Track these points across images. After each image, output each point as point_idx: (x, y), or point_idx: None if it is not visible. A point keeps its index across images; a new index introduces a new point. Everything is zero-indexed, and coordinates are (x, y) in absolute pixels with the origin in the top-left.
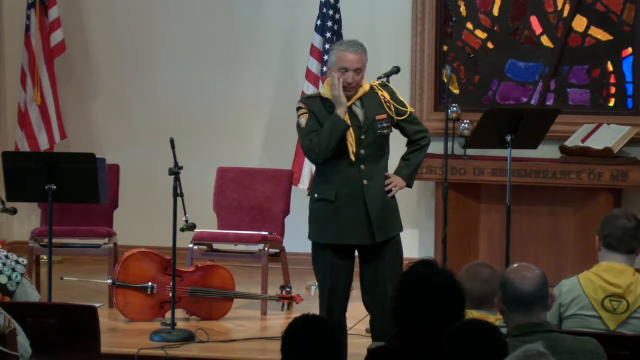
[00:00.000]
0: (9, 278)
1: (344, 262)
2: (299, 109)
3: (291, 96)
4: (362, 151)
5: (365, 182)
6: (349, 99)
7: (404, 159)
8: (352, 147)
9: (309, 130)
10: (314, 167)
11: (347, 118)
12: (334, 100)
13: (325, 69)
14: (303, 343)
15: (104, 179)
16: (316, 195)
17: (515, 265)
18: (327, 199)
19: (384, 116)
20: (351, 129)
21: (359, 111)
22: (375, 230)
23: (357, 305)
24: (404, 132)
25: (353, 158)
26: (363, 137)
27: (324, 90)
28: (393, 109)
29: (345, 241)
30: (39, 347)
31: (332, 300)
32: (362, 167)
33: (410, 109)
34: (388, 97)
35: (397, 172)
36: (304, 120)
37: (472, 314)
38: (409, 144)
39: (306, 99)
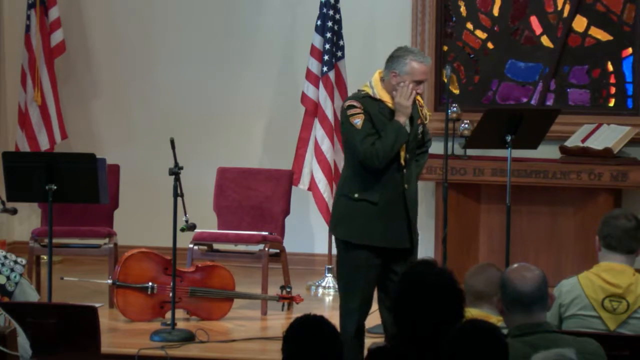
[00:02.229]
0: (8, 278)
1: (376, 266)
2: (351, 107)
3: (291, 96)
4: (407, 155)
5: (406, 186)
6: None
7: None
8: (403, 152)
9: (366, 133)
10: (314, 167)
11: None
12: (399, 108)
13: (391, 74)
14: (303, 343)
15: (104, 179)
16: (356, 195)
17: (515, 265)
18: (370, 201)
19: (420, 121)
20: None
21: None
22: (413, 234)
23: None
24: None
25: (403, 162)
26: (409, 142)
27: (376, 90)
28: (424, 113)
29: (388, 244)
30: (39, 347)
31: (362, 303)
32: (405, 171)
33: (429, 112)
34: (421, 102)
35: None
36: (359, 121)
37: (472, 312)
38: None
39: (361, 98)
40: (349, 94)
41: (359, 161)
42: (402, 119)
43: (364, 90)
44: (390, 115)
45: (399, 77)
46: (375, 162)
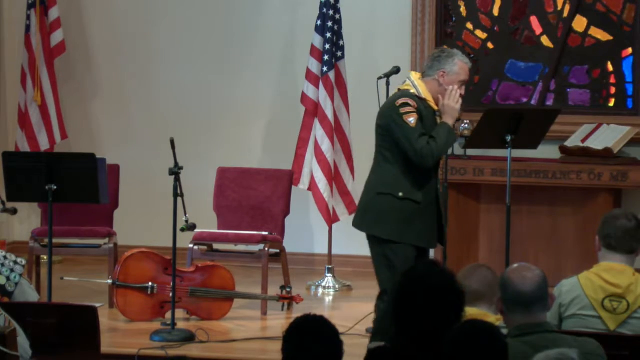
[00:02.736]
0: (8, 278)
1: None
2: (406, 105)
3: (291, 96)
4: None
5: (439, 186)
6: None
7: None
8: None
9: (421, 132)
10: (314, 167)
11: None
12: (448, 110)
13: (439, 73)
14: (303, 343)
15: (104, 179)
16: (401, 194)
17: (515, 265)
18: (414, 200)
19: None
20: None
21: (439, 120)
22: (444, 234)
23: (357, 305)
24: None
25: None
26: None
27: (420, 90)
28: None
29: (423, 244)
30: (39, 347)
31: None
32: (437, 172)
33: None
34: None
35: None
36: (413, 120)
37: (470, 311)
38: None
39: (414, 97)
40: (349, 94)
41: (411, 159)
42: (451, 121)
43: (407, 89)
44: (432, 115)
45: (448, 76)
46: (430, 161)
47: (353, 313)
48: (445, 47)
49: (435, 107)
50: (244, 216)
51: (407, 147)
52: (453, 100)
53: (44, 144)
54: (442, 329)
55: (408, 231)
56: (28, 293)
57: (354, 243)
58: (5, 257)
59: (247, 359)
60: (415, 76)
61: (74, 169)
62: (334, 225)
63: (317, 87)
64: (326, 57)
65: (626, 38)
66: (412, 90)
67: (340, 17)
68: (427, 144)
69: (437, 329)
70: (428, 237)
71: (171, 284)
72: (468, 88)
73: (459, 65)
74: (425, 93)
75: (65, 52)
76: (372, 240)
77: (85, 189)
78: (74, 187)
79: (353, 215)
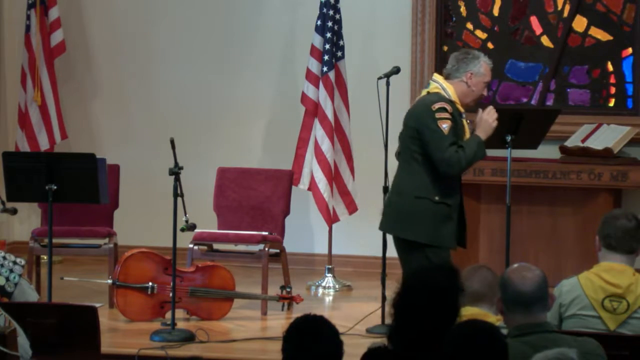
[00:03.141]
0: (7, 279)
1: None
2: (443, 110)
3: (291, 96)
4: None
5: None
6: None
7: None
8: None
9: (452, 140)
10: (314, 167)
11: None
12: (484, 125)
13: (467, 75)
14: (303, 343)
15: (104, 179)
16: (437, 198)
17: (515, 265)
18: (447, 203)
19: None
20: None
21: (466, 125)
22: (465, 236)
23: (357, 305)
24: None
25: None
26: None
27: (449, 92)
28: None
29: (452, 245)
30: (39, 347)
31: None
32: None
33: None
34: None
35: None
36: (447, 126)
37: (470, 311)
38: None
39: (450, 102)
40: (349, 94)
41: (436, 165)
42: (484, 136)
43: (438, 92)
44: (460, 118)
45: (475, 77)
46: (457, 169)
47: (353, 313)
48: (445, 48)
49: (462, 109)
50: (244, 216)
51: (434, 152)
52: (491, 117)
53: (44, 144)
54: (442, 329)
55: (443, 234)
56: (28, 293)
57: (354, 243)
58: (4, 258)
59: (247, 359)
60: (440, 78)
61: (74, 169)
62: (334, 225)
63: (317, 87)
64: (326, 57)
65: (626, 38)
66: (442, 93)
67: (340, 17)
68: (456, 152)
69: (437, 329)
70: (454, 238)
71: (171, 284)
72: None
73: (484, 67)
74: (454, 95)
75: (65, 52)
76: (406, 245)
77: (85, 189)
78: (74, 187)
79: (353, 215)
